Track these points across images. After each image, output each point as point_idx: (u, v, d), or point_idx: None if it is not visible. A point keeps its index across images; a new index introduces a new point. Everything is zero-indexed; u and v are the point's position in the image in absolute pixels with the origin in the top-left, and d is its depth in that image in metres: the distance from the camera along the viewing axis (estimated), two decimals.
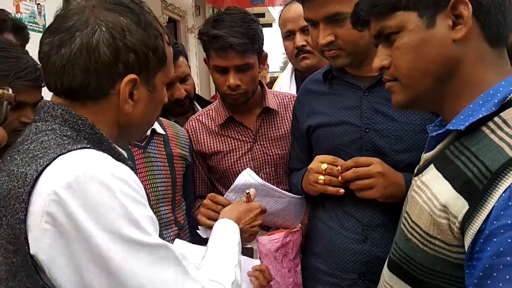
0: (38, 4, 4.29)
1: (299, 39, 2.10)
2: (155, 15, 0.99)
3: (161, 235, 1.58)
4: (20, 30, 2.07)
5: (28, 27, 4.04)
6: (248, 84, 1.66)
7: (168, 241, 1.60)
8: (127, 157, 0.98)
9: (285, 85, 2.34)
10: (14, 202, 0.79)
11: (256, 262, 1.50)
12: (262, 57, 1.73)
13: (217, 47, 1.60)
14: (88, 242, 0.77)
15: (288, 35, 2.16)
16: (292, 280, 1.56)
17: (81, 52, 0.86)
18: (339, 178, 1.35)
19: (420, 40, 0.91)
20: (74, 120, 0.89)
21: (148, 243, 0.81)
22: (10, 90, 0.55)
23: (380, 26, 0.96)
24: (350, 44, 1.35)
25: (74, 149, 0.82)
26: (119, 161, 0.92)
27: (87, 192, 0.77)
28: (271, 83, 2.59)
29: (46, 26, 4.36)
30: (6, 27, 1.98)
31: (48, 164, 0.79)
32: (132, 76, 0.90)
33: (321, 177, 1.38)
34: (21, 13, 4.03)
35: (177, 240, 1.49)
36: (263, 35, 1.69)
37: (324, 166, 1.38)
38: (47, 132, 0.87)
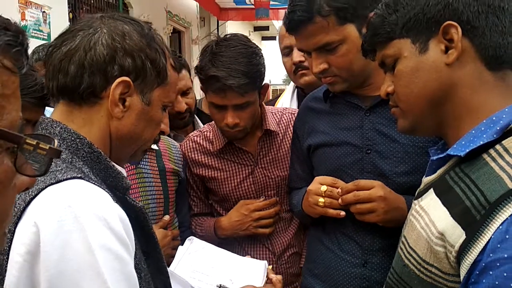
0: (44, 12, 4.32)
1: (297, 55, 1.97)
2: (163, 41, 0.99)
3: None
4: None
5: (33, 34, 4.08)
6: (247, 120, 1.59)
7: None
8: (125, 176, 0.95)
9: (286, 102, 2.29)
10: None
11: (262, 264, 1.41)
12: (263, 89, 1.65)
13: (215, 88, 1.52)
14: (49, 285, 0.72)
15: (286, 51, 2.08)
16: None
17: (78, 48, 0.87)
18: (339, 200, 1.33)
19: (414, 66, 0.92)
20: (72, 138, 0.87)
21: None
22: (56, 143, 0.54)
23: (381, 55, 0.99)
24: (344, 70, 1.35)
25: (64, 179, 0.79)
26: (116, 180, 0.90)
27: (64, 235, 0.73)
28: (274, 100, 2.54)
29: (51, 34, 4.38)
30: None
31: (36, 195, 0.77)
32: (125, 78, 0.89)
33: (321, 199, 1.36)
34: (26, 20, 4.06)
35: (193, 238, 1.46)
36: (264, 68, 1.61)
37: (324, 188, 1.36)
38: None
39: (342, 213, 1.34)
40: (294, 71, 2.05)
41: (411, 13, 0.91)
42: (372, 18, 1.00)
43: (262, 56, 1.61)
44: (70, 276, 0.72)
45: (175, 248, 1.62)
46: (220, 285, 1.29)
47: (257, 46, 1.63)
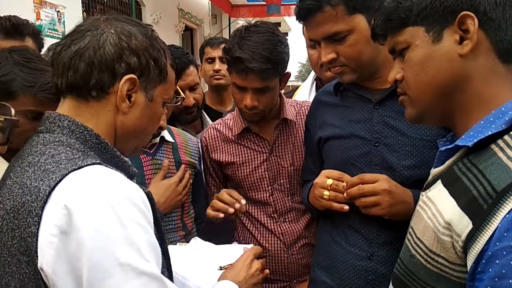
0: (58, 11, 4.39)
1: None
2: (163, 42, 1.05)
3: (168, 239, 1.58)
4: (38, 35, 2.12)
5: (48, 34, 4.15)
6: (265, 104, 1.65)
7: (173, 242, 1.63)
8: (131, 164, 1.01)
9: (304, 95, 2.30)
10: (27, 216, 0.81)
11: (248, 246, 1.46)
12: (285, 77, 1.70)
13: (238, 70, 1.59)
14: (88, 261, 0.78)
15: (314, 44, 2.05)
16: None
17: (88, 47, 0.93)
18: (344, 194, 1.34)
19: (425, 54, 0.91)
20: (80, 130, 0.92)
21: (144, 271, 0.81)
22: (13, 111, 0.57)
23: (392, 41, 0.98)
24: (352, 60, 1.35)
25: (85, 165, 0.85)
26: (123, 168, 0.95)
27: (96, 212, 0.79)
28: (292, 92, 2.55)
29: (66, 33, 4.47)
30: (28, 31, 2.03)
31: (60, 180, 0.83)
32: (131, 75, 0.94)
33: (326, 192, 1.37)
34: (41, 20, 4.13)
35: (197, 238, 1.51)
36: (288, 57, 1.65)
37: (330, 181, 1.37)
38: (56, 143, 0.90)
39: (346, 207, 1.34)
40: (322, 64, 2.05)
41: (428, 1, 0.90)
42: (386, 2, 0.99)
43: (287, 45, 1.65)
44: (107, 248, 0.79)
45: (185, 187, 1.67)
46: (220, 267, 1.34)
47: (284, 36, 1.66)
